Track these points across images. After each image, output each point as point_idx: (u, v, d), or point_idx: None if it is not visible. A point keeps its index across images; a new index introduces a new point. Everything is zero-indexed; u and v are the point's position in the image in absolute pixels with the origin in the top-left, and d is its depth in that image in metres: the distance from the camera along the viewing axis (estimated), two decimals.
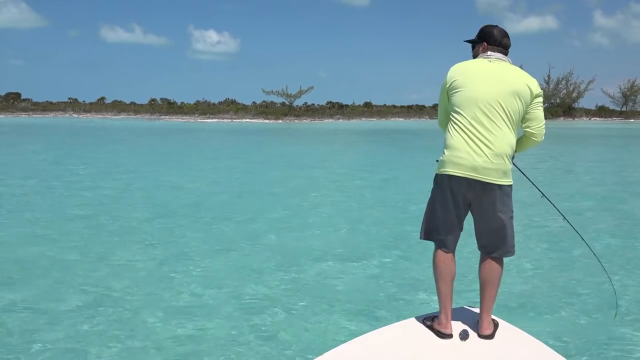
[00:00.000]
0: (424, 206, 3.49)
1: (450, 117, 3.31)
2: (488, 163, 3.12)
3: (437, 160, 3.31)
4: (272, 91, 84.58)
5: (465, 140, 3.17)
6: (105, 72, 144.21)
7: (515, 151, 3.31)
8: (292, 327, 5.27)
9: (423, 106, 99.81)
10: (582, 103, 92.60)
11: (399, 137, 40.35)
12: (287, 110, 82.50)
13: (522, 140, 3.37)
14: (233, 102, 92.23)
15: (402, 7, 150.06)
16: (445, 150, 3.26)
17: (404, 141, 36.25)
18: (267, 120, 74.91)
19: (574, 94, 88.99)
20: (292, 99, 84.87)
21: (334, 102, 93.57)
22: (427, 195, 3.46)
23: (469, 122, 3.18)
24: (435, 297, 3.45)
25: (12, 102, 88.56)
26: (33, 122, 59.22)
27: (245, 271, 7.10)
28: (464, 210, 3.30)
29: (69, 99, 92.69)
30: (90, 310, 5.69)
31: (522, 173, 3.62)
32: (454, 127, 3.25)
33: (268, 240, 8.78)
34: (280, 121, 74.23)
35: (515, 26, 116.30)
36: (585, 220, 10.33)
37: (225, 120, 74.96)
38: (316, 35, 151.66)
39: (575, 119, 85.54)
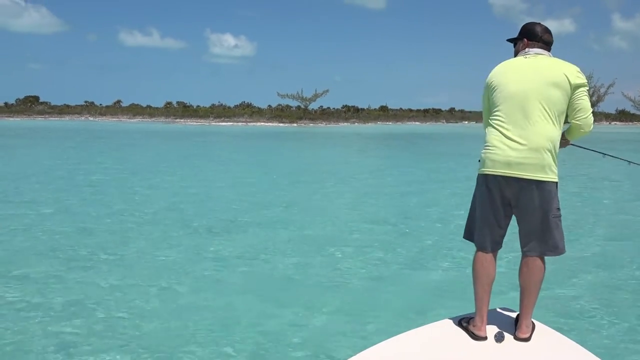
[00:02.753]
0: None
1: (490, 117, 3.28)
2: (522, 158, 3.05)
3: (479, 160, 3.29)
4: (287, 94, 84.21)
5: (500, 137, 3.14)
6: (122, 75, 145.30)
7: (567, 139, 3.34)
8: (332, 327, 5.17)
9: (439, 110, 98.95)
10: (602, 107, 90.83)
11: (418, 142, 39.71)
12: (302, 113, 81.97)
13: (571, 130, 3.32)
14: (248, 105, 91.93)
15: (417, 10, 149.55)
16: (483, 148, 3.25)
17: (424, 146, 35.64)
18: (281, 124, 74.41)
19: (594, 98, 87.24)
20: (307, 103, 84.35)
21: (350, 105, 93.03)
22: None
23: (504, 118, 3.15)
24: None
25: (29, 105, 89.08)
26: (46, 126, 59.34)
27: (293, 276, 6.94)
28: (502, 210, 3.20)
29: (85, 102, 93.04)
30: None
31: (597, 151, 3.69)
32: (491, 125, 3.23)
33: (313, 242, 8.49)
34: (295, 125, 73.71)
35: None
36: None
37: (239, 123, 74.59)
38: (332, 39, 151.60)
39: (595, 123, 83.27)
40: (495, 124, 3.18)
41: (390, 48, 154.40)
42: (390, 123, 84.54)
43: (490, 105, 3.30)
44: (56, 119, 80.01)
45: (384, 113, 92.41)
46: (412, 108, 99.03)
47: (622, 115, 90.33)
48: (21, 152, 25.09)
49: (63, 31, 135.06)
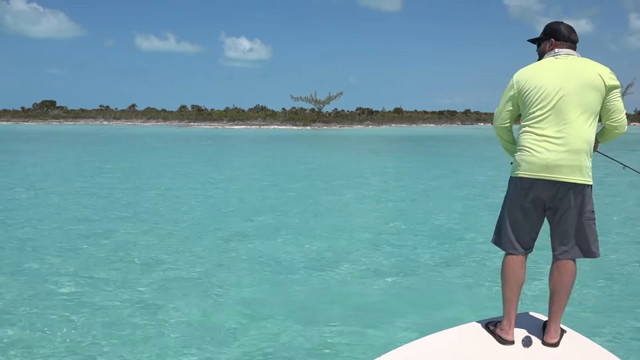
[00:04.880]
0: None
1: (524, 121, 3.20)
2: (561, 160, 3.00)
3: (511, 163, 3.23)
4: (301, 97, 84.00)
5: (536, 139, 3.07)
6: (138, 79, 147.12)
7: (600, 142, 3.28)
8: (353, 329, 5.04)
9: (454, 112, 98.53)
10: None
11: (438, 146, 39.20)
12: (316, 116, 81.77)
13: (604, 132, 3.24)
14: (263, 108, 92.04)
15: (433, 12, 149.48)
16: (517, 151, 3.18)
17: (443, 149, 35.17)
18: (295, 127, 74.25)
19: None
20: (321, 105, 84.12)
21: (364, 107, 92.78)
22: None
23: (540, 121, 3.07)
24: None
25: (45, 109, 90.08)
26: (56, 130, 59.66)
27: (315, 276, 6.71)
28: (535, 213, 3.14)
29: (101, 106, 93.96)
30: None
31: (602, 153, 3.63)
32: (525, 128, 3.14)
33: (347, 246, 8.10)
34: (309, 128, 73.46)
35: None
36: None
37: (253, 126, 74.58)
38: (346, 42, 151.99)
39: None
40: (531, 126, 3.11)
41: (405, 50, 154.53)
42: (404, 125, 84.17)
43: (522, 111, 3.21)
44: (71, 123, 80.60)
45: (398, 115, 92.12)
46: (427, 110, 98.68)
47: None
48: (27, 158, 25.07)
49: (80, 36, 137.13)
